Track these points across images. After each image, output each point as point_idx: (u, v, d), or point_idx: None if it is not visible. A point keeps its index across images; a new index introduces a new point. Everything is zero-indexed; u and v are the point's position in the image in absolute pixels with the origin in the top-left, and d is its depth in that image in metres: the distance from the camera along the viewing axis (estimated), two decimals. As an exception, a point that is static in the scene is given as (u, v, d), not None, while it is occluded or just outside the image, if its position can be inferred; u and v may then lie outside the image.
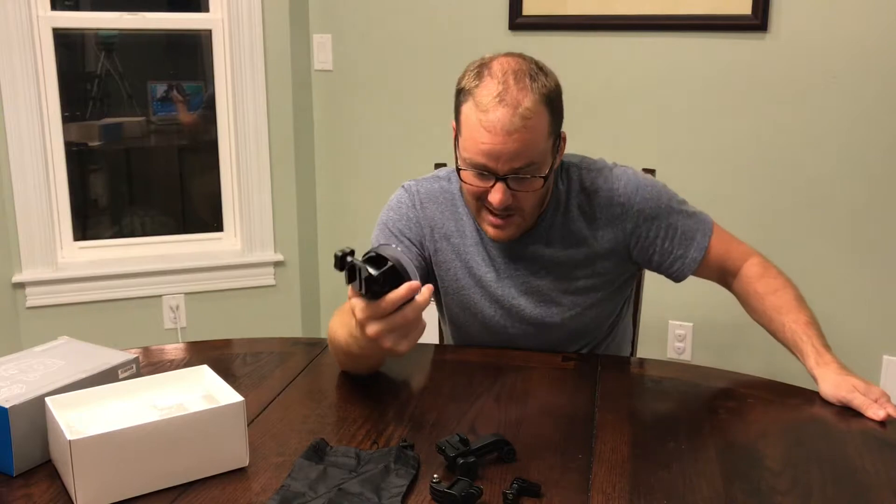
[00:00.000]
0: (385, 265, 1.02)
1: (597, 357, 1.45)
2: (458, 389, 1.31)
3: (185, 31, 2.94)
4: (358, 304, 1.06)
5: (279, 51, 2.86)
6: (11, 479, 1.03)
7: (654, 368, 1.44)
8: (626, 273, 1.51)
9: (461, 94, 1.33)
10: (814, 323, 1.36)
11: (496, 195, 1.31)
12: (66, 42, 2.79)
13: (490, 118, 1.27)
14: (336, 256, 1.02)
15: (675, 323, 2.72)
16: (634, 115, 2.64)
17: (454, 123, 1.39)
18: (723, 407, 1.25)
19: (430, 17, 2.81)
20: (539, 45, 2.67)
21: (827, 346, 1.32)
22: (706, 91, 2.56)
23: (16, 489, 1.01)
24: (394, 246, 1.04)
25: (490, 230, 1.38)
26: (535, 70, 1.32)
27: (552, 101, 1.32)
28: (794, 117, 2.48)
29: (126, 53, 2.96)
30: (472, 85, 1.31)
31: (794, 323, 1.35)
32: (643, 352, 1.75)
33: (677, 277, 1.49)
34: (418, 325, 1.07)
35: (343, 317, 1.28)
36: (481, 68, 1.32)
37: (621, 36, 2.61)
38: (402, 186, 1.52)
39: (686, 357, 2.72)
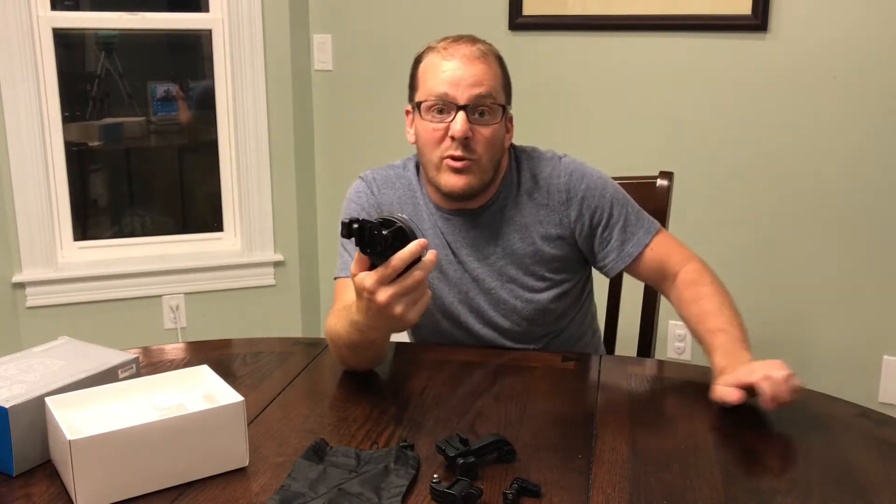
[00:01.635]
0: (393, 226, 1.03)
1: (597, 357, 1.45)
2: (458, 389, 1.31)
3: (185, 31, 2.94)
4: (366, 274, 1.07)
5: (279, 51, 2.86)
6: (11, 479, 1.03)
7: (654, 368, 1.44)
8: (576, 264, 1.51)
9: (416, 62, 1.42)
10: (724, 329, 1.28)
11: (457, 125, 1.34)
12: (66, 42, 2.79)
13: (450, 51, 1.37)
14: (343, 223, 1.04)
15: (675, 323, 2.72)
16: (634, 115, 2.64)
17: (409, 107, 1.44)
18: (723, 407, 1.25)
19: (431, 17, 2.81)
20: (539, 45, 2.67)
21: (729, 353, 1.24)
22: (706, 91, 2.56)
23: (16, 489, 1.01)
24: (399, 214, 1.06)
25: (449, 179, 1.38)
26: (490, 43, 1.43)
27: (504, 66, 1.42)
28: (793, 117, 2.48)
29: (126, 53, 2.96)
30: (431, 43, 1.41)
31: (706, 334, 1.31)
32: (643, 352, 1.75)
33: (609, 271, 1.48)
34: (426, 291, 1.09)
35: (340, 312, 1.30)
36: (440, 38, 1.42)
37: (621, 36, 2.61)
38: (360, 177, 1.56)
39: (686, 357, 2.73)
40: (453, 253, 1.48)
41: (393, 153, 2.94)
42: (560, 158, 1.49)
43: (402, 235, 1.04)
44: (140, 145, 3.12)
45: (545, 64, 2.69)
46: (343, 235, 1.04)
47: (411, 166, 1.53)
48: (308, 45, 2.96)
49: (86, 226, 2.97)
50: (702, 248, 2.60)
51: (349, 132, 3.01)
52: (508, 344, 1.50)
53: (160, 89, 3.02)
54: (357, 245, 1.06)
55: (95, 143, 3.00)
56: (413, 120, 1.43)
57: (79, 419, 1.05)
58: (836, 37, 2.39)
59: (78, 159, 2.90)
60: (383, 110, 2.94)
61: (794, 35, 2.43)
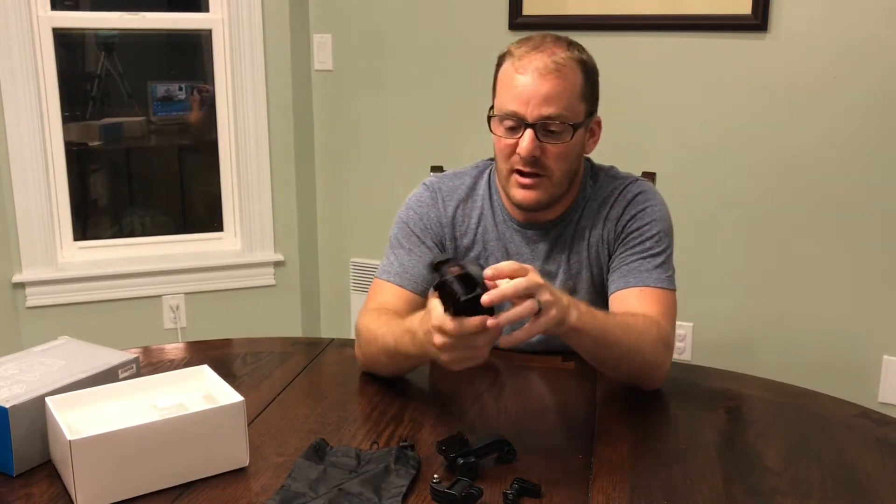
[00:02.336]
0: (474, 290, 1.01)
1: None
2: (458, 389, 1.31)
3: (185, 31, 2.94)
4: (437, 311, 1.04)
5: (279, 51, 2.86)
6: (11, 479, 1.03)
7: (654, 368, 1.43)
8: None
9: (500, 60, 1.38)
10: (605, 314, 1.23)
11: (524, 142, 1.31)
12: (66, 42, 2.79)
13: (523, 63, 1.32)
14: (432, 264, 1.02)
15: (676, 323, 2.72)
16: (634, 114, 2.64)
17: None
18: (723, 407, 1.25)
19: (430, 17, 2.81)
20: (539, 45, 2.67)
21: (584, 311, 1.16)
22: (706, 91, 2.55)
23: (16, 489, 1.01)
24: (480, 262, 1.03)
25: (518, 192, 1.36)
26: (576, 43, 1.39)
27: (588, 69, 1.38)
28: (793, 117, 2.48)
29: (126, 53, 2.96)
30: (512, 47, 1.36)
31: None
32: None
33: (608, 292, 1.42)
34: (482, 356, 1.07)
35: (387, 321, 1.28)
36: (524, 38, 1.38)
37: (621, 36, 2.61)
38: (424, 183, 1.52)
39: (686, 357, 2.72)
40: None
41: (393, 153, 2.96)
42: (636, 180, 1.46)
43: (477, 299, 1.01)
44: (140, 145, 3.12)
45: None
46: (430, 269, 1.02)
47: (485, 175, 1.49)
48: (308, 45, 2.96)
49: (86, 226, 2.97)
50: (702, 248, 2.62)
51: (349, 132, 3.01)
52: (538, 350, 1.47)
53: (160, 89, 3.02)
54: (433, 288, 1.05)
55: (95, 143, 3.00)
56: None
57: (79, 419, 1.05)
58: (836, 37, 2.39)
59: (78, 159, 2.90)
60: (383, 110, 2.94)
61: (794, 35, 2.43)
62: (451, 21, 2.78)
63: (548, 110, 1.30)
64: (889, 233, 2.44)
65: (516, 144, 1.33)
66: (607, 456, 1.09)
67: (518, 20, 2.69)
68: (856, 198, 2.45)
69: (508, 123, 1.34)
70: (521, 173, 1.35)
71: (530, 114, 1.31)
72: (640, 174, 1.73)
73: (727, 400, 1.28)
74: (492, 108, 1.38)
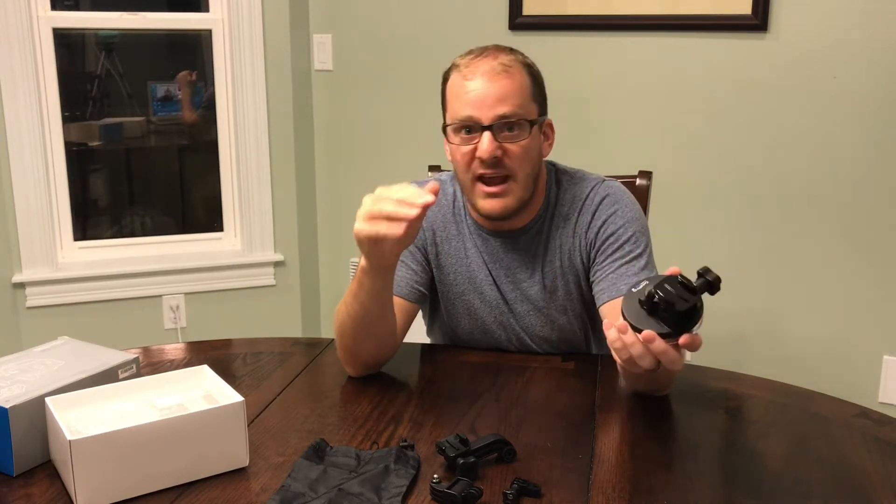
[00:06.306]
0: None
1: (597, 357, 1.45)
2: (458, 389, 1.31)
3: (185, 31, 2.94)
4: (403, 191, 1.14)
5: (279, 51, 2.86)
6: (11, 479, 1.03)
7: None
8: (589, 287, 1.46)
9: (446, 75, 1.38)
10: None
11: (483, 144, 1.30)
12: (66, 42, 2.79)
13: (470, 69, 1.33)
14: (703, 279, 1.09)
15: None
16: (634, 114, 2.64)
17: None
18: (723, 407, 1.25)
19: (431, 17, 2.81)
20: (539, 45, 2.67)
21: None
22: (706, 91, 2.55)
23: (16, 489, 1.01)
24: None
25: (486, 203, 1.35)
26: (518, 50, 1.39)
27: (533, 72, 1.38)
28: (793, 117, 2.48)
29: (126, 53, 2.96)
30: (456, 59, 1.38)
31: None
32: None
33: (597, 302, 1.39)
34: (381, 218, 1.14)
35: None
36: (468, 50, 1.39)
37: (621, 36, 2.61)
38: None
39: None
40: (491, 274, 1.45)
41: (393, 153, 2.96)
42: (602, 181, 1.45)
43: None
44: (140, 145, 3.12)
45: (545, 64, 2.66)
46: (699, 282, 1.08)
47: (456, 183, 1.48)
48: (308, 45, 2.96)
49: (86, 226, 2.97)
50: (701, 248, 2.62)
51: (349, 132, 3.01)
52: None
53: (160, 89, 3.02)
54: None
55: (95, 143, 3.00)
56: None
57: (79, 419, 1.05)
58: (836, 37, 2.39)
59: (78, 159, 2.90)
60: (383, 110, 2.94)
61: (794, 35, 2.43)
62: (452, 21, 2.78)
63: (502, 109, 1.30)
64: (889, 233, 2.44)
65: (475, 150, 1.32)
66: (607, 456, 1.09)
67: (518, 20, 2.69)
68: (856, 198, 2.46)
69: (464, 130, 1.33)
70: (484, 181, 1.34)
71: (485, 116, 1.30)
72: (637, 173, 1.73)
73: (727, 400, 1.28)
74: (443, 126, 1.38)
